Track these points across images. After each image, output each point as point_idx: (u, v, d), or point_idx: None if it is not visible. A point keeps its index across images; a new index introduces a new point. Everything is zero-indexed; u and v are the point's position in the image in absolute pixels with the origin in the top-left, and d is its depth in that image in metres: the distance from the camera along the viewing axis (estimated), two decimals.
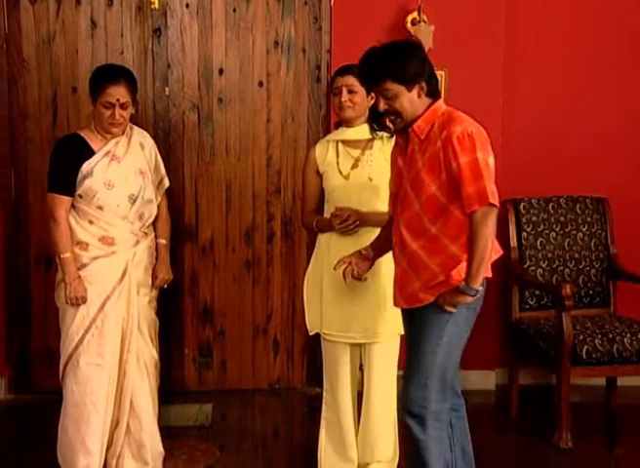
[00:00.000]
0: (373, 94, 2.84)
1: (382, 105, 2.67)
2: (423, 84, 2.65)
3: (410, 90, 2.64)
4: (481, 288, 2.62)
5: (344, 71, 3.10)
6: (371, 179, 3.09)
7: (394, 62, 2.63)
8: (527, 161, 4.37)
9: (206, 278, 4.27)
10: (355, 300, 3.09)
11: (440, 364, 2.70)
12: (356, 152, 3.14)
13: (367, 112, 3.12)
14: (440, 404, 2.72)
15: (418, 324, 2.75)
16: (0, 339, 4.09)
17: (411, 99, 2.65)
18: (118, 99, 3.09)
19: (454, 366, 2.75)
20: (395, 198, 2.80)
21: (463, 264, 2.60)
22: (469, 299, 2.61)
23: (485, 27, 4.17)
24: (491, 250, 2.60)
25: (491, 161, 2.61)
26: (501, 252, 2.82)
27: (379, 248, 2.93)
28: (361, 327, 3.10)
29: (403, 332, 3.16)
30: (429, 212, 2.64)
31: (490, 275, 2.73)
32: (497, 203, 2.55)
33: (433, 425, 2.71)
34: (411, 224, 2.69)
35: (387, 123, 2.73)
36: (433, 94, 2.69)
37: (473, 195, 2.53)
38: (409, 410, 2.74)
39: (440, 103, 2.70)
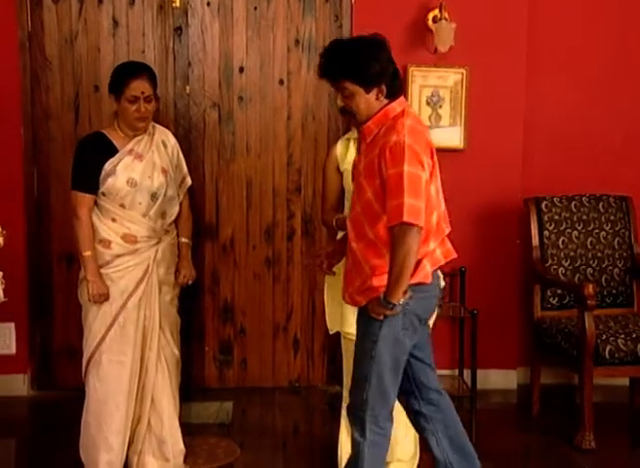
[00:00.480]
0: None
1: (340, 102, 2.64)
2: (383, 86, 2.59)
3: (368, 92, 2.59)
4: (401, 301, 2.54)
5: None
6: None
7: (355, 63, 2.56)
8: (549, 159, 4.34)
9: (226, 276, 4.28)
10: None
11: (375, 368, 2.64)
12: None
13: None
14: (379, 409, 2.68)
15: (358, 325, 2.74)
16: (23, 336, 4.12)
17: (368, 101, 2.60)
18: (142, 92, 3.11)
19: (397, 370, 2.68)
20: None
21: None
22: (389, 312, 2.56)
23: (507, 25, 4.14)
24: (417, 265, 2.56)
25: (424, 175, 2.53)
26: (455, 254, 2.76)
27: (343, 244, 2.87)
28: None
29: None
30: (367, 216, 2.62)
31: (428, 281, 2.65)
32: (414, 221, 2.47)
33: (372, 429, 2.68)
34: (355, 224, 2.68)
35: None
36: (394, 93, 2.64)
37: (392, 210, 2.49)
38: (351, 413, 2.75)
39: (394, 105, 2.63)
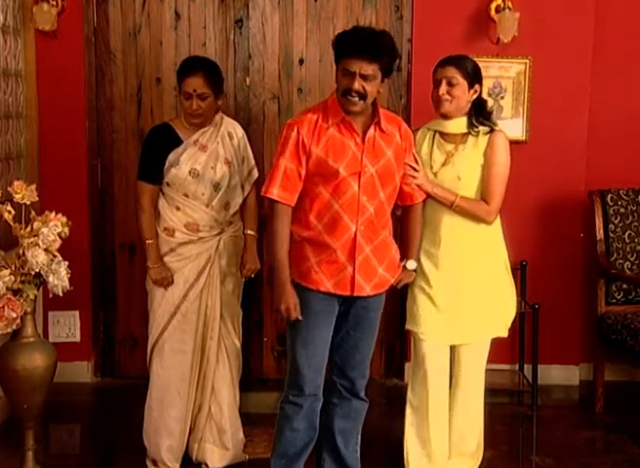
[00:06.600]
0: (476, 87, 2.96)
1: (357, 85, 2.68)
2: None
3: (382, 80, 2.75)
4: None
5: (445, 62, 2.99)
6: (459, 178, 3.01)
7: (392, 48, 2.74)
8: (615, 151, 4.23)
9: None
10: (450, 302, 3.05)
11: None
12: (450, 146, 3.05)
13: (468, 106, 3.02)
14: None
15: (370, 312, 2.88)
16: (87, 324, 4.21)
17: (378, 88, 2.75)
18: (195, 90, 3.12)
19: None
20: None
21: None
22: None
23: (573, 13, 4.04)
24: None
25: None
26: None
27: None
28: (456, 328, 3.07)
29: (496, 335, 3.12)
30: (389, 202, 2.85)
31: None
32: None
33: None
34: (380, 211, 2.81)
35: (347, 101, 2.72)
36: None
37: (417, 188, 2.94)
38: (362, 396, 3.00)
39: None
